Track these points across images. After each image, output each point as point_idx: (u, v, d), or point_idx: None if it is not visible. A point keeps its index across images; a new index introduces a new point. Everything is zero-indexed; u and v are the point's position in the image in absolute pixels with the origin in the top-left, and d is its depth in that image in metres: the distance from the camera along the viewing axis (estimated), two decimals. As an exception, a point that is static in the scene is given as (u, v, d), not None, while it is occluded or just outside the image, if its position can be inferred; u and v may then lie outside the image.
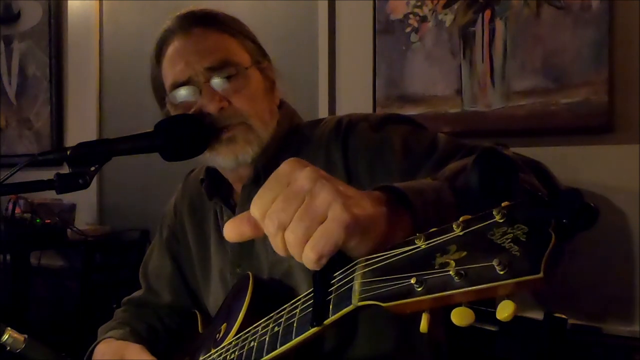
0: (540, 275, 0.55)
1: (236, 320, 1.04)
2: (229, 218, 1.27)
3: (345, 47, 2.74)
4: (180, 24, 1.21)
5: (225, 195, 1.31)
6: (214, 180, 1.31)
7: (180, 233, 1.40)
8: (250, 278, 1.10)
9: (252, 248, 1.22)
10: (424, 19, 2.47)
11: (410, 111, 2.48)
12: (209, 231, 1.34)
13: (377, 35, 2.60)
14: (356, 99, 2.69)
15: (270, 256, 1.19)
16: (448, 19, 2.41)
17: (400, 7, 2.53)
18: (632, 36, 2.03)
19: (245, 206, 1.23)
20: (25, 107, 4.04)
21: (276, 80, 1.27)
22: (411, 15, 2.50)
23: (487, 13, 2.31)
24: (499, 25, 2.28)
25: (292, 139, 1.25)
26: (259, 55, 1.25)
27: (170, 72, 1.21)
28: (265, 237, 1.20)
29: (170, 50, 1.21)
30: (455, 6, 2.39)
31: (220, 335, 1.09)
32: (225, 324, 1.09)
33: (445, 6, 2.41)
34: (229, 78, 1.17)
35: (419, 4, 2.48)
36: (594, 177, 2.09)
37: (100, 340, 1.32)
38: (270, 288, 1.12)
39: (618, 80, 2.06)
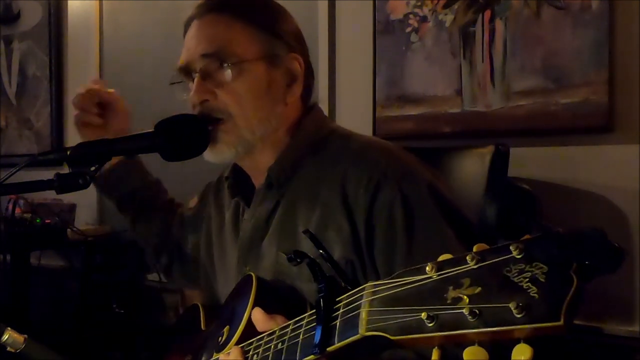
0: (561, 322, 0.53)
1: (239, 324, 1.02)
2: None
3: (345, 47, 2.74)
4: (197, 10, 1.20)
5: (249, 194, 1.28)
6: (241, 178, 1.29)
7: (207, 220, 1.43)
8: (254, 280, 1.07)
9: (259, 250, 1.21)
10: (424, 19, 2.46)
11: (410, 111, 2.48)
12: (225, 222, 1.34)
13: (377, 35, 2.59)
14: (356, 99, 2.68)
15: (274, 265, 1.16)
16: (448, 19, 2.40)
17: (400, 7, 2.53)
18: (632, 36, 2.03)
19: (257, 209, 1.23)
20: (25, 107, 4.04)
21: (299, 77, 1.20)
22: (411, 15, 2.50)
23: (487, 13, 2.31)
24: (499, 25, 2.28)
25: (319, 151, 1.19)
26: (279, 48, 1.18)
27: (181, 55, 1.21)
28: (271, 242, 1.19)
29: (187, 34, 1.21)
30: (455, 6, 2.38)
31: (223, 339, 1.07)
32: (228, 327, 1.08)
33: (445, 6, 2.41)
34: (220, 68, 1.13)
35: (419, 4, 2.48)
36: (594, 177, 2.09)
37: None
38: (273, 290, 1.10)
39: (618, 80, 2.05)
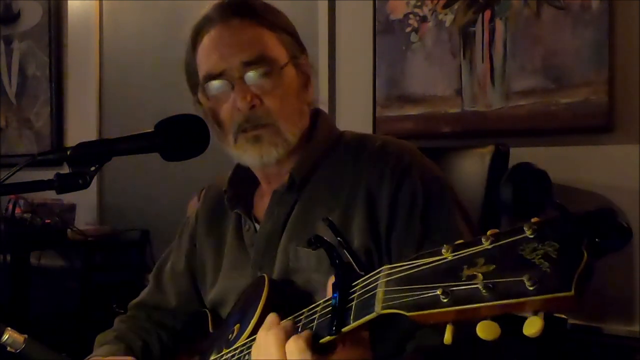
0: (572, 293, 0.55)
1: (250, 321, 1.03)
2: (249, 227, 1.26)
3: (345, 47, 2.74)
4: (219, 12, 1.18)
5: (248, 205, 1.29)
6: (238, 189, 1.29)
7: (199, 242, 1.39)
8: (266, 280, 1.08)
9: (276, 253, 1.20)
10: (424, 19, 2.46)
11: (410, 111, 2.48)
12: (225, 237, 1.32)
13: (377, 35, 2.60)
14: (356, 99, 2.69)
15: (292, 262, 1.17)
16: (448, 19, 2.40)
17: (400, 7, 2.53)
18: (632, 36, 2.03)
19: (275, 210, 1.22)
20: (25, 107, 4.04)
21: (311, 76, 1.24)
22: (411, 15, 2.50)
23: (487, 13, 2.31)
24: (499, 25, 2.28)
25: (334, 152, 1.22)
26: (297, 50, 1.21)
27: (204, 62, 1.19)
28: (289, 240, 1.19)
29: (207, 39, 1.19)
30: (455, 6, 2.38)
31: (234, 335, 1.08)
32: (238, 325, 1.08)
33: (445, 6, 2.41)
34: (263, 75, 1.15)
35: (419, 4, 2.48)
36: (594, 177, 2.09)
37: (90, 357, 1.30)
38: (285, 291, 1.11)
39: (618, 80, 2.06)
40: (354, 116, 2.66)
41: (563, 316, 1.61)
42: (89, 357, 1.31)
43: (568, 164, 2.14)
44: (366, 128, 2.56)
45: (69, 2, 3.82)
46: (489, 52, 2.30)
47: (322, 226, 0.96)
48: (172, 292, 1.41)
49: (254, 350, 0.92)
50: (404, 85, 2.51)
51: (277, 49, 1.18)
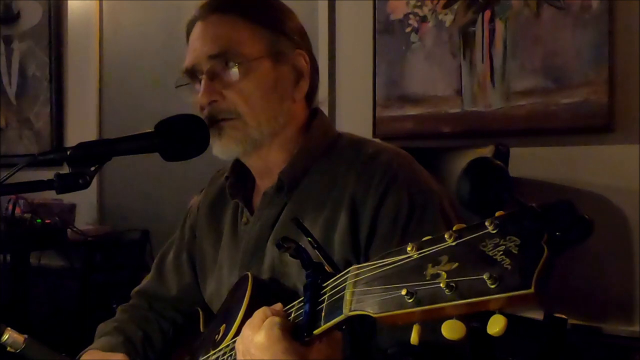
0: (531, 290, 0.55)
1: (234, 321, 1.04)
2: (247, 220, 1.26)
3: (345, 47, 2.74)
4: (201, 9, 1.20)
5: (248, 195, 1.29)
6: (239, 179, 1.29)
7: (199, 232, 1.39)
8: (250, 279, 1.09)
9: (263, 254, 1.20)
10: (424, 19, 2.46)
11: (410, 111, 2.48)
12: (223, 230, 1.32)
13: (377, 35, 2.59)
14: (356, 99, 2.68)
15: (277, 266, 1.17)
16: (448, 19, 2.40)
17: (400, 7, 2.53)
18: (632, 36, 2.03)
19: (264, 211, 1.22)
20: (25, 107, 4.04)
21: (305, 73, 1.20)
22: (411, 15, 2.50)
23: (487, 13, 2.31)
24: (499, 25, 2.28)
25: (327, 157, 1.20)
26: (284, 45, 1.19)
27: (186, 57, 1.20)
28: (272, 248, 1.18)
29: (191, 36, 1.21)
30: (455, 6, 2.38)
31: (219, 336, 1.08)
32: (224, 325, 1.09)
33: (445, 6, 2.41)
34: (227, 68, 1.14)
35: (419, 4, 2.48)
36: (594, 177, 2.09)
37: (87, 350, 1.30)
38: (269, 289, 1.12)
39: (618, 80, 2.06)
40: (354, 116, 2.66)
41: (563, 316, 1.61)
42: (87, 348, 1.31)
43: (568, 164, 2.14)
44: (366, 128, 2.56)
45: (69, 2, 3.82)
46: (489, 52, 2.30)
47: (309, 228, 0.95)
48: (173, 283, 1.41)
49: (238, 340, 0.92)
50: (404, 85, 2.51)
51: (249, 43, 1.16)
